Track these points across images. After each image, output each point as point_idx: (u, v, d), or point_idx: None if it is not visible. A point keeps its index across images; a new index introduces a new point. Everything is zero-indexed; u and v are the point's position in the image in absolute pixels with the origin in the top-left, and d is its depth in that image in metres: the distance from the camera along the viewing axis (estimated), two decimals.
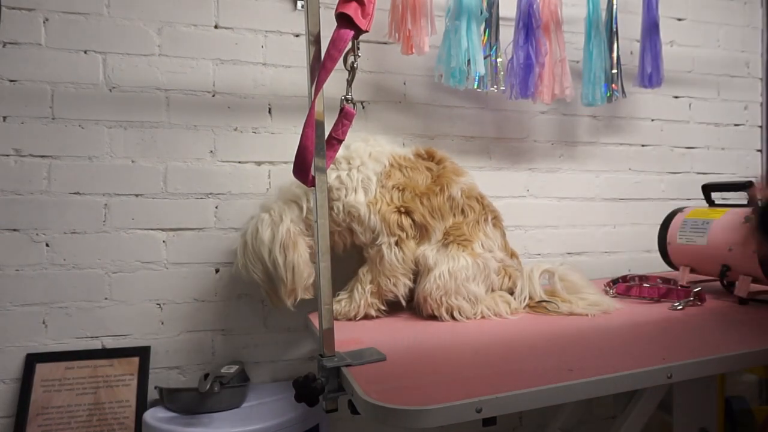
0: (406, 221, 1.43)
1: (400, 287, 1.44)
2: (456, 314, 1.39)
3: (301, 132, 1.02)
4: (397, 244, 1.42)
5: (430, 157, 1.55)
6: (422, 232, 1.46)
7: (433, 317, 1.41)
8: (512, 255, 1.56)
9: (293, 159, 1.04)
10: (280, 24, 1.73)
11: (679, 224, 1.72)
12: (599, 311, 1.39)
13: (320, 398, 1.00)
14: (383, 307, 1.47)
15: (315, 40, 1.03)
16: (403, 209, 1.44)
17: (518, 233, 1.98)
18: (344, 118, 1.09)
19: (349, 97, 1.10)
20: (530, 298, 1.46)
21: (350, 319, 1.46)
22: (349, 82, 1.10)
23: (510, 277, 1.51)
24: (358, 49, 1.08)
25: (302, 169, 1.04)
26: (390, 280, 1.43)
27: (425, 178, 1.50)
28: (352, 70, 1.09)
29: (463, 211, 1.49)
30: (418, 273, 1.46)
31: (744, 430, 1.94)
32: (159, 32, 1.63)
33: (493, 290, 1.48)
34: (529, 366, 0.94)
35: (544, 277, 1.52)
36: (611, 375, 0.91)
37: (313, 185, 1.03)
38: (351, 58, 1.07)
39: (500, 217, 1.57)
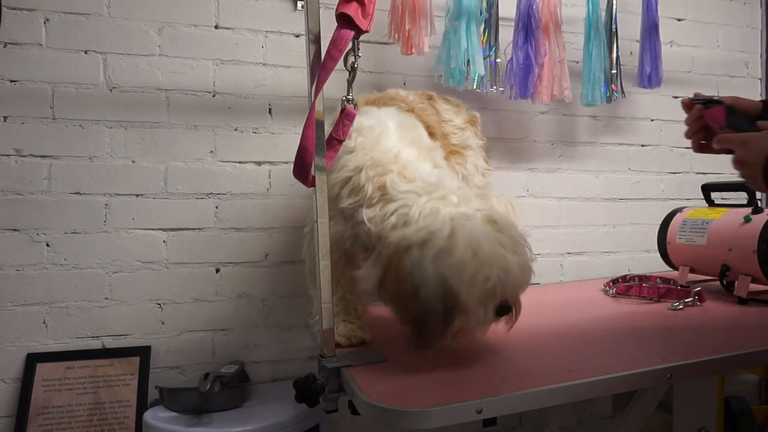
0: None
1: None
2: None
3: (301, 132, 1.02)
4: None
5: None
6: None
7: None
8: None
9: (293, 159, 1.04)
10: (280, 24, 1.73)
11: (678, 224, 1.72)
12: None
13: (320, 399, 1.00)
14: None
15: (315, 40, 1.03)
16: None
17: None
18: (345, 118, 1.09)
19: (350, 97, 1.10)
20: None
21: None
22: (350, 83, 1.10)
23: None
24: (359, 49, 1.08)
25: (302, 169, 1.04)
26: None
27: None
28: (352, 71, 1.09)
29: None
30: None
31: (744, 430, 1.95)
32: (159, 32, 1.63)
33: None
34: (529, 366, 0.94)
35: None
36: (611, 375, 0.91)
37: (313, 185, 1.03)
38: (351, 59, 1.07)
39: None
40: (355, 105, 1.12)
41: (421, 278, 0.94)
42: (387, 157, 1.13)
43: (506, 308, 1.00)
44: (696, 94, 1.19)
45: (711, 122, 1.13)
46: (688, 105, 1.17)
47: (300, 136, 1.03)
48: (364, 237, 1.12)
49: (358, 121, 1.16)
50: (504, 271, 0.95)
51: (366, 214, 1.09)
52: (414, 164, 1.13)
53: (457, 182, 1.13)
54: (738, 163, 1.02)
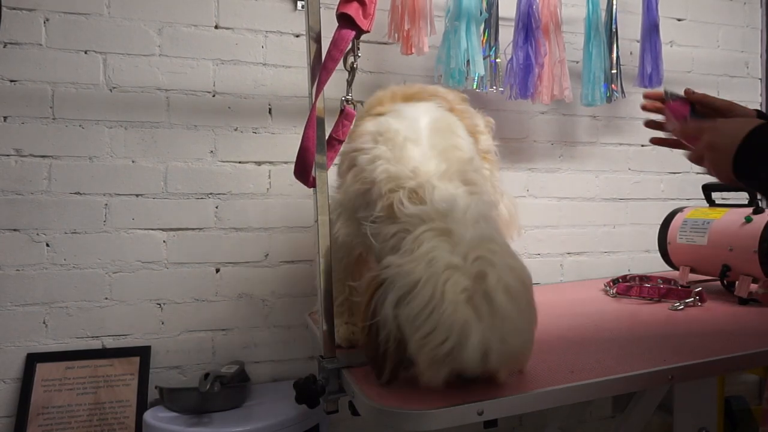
0: None
1: None
2: None
3: (302, 132, 1.02)
4: None
5: None
6: None
7: None
8: None
9: (294, 159, 1.04)
10: (281, 24, 1.73)
11: (679, 224, 1.72)
12: None
13: (321, 400, 1.00)
14: None
15: (316, 40, 1.02)
16: None
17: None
18: (345, 118, 1.09)
19: (349, 97, 1.09)
20: None
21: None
22: (350, 83, 1.09)
23: None
24: (359, 49, 1.08)
25: (303, 170, 1.04)
26: None
27: None
28: (352, 71, 1.08)
29: None
30: None
31: (744, 430, 1.95)
32: (159, 32, 1.63)
33: None
34: (530, 367, 0.94)
35: None
36: (612, 377, 0.91)
37: (314, 185, 1.03)
38: (351, 59, 1.07)
39: None
40: (354, 105, 1.11)
41: (381, 318, 0.86)
42: (404, 172, 1.00)
43: (472, 379, 0.85)
44: (665, 90, 1.13)
45: (673, 116, 1.08)
46: (650, 97, 1.14)
47: (301, 137, 1.02)
48: (372, 246, 1.03)
49: (384, 123, 1.08)
50: (463, 339, 0.79)
51: (370, 229, 1.00)
52: (431, 183, 0.97)
53: (477, 211, 0.94)
54: (707, 149, 0.91)
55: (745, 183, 0.89)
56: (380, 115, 1.14)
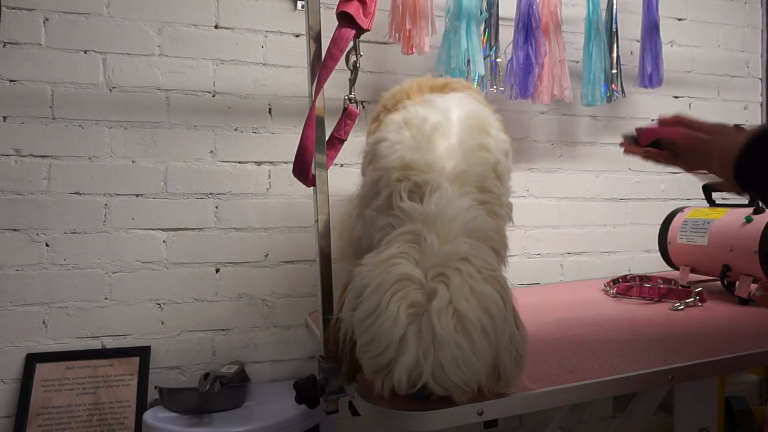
0: None
1: None
2: None
3: (301, 132, 1.01)
4: None
5: None
6: None
7: None
8: None
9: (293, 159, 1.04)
10: (280, 24, 1.72)
11: (679, 224, 1.72)
12: None
13: (321, 400, 1.00)
14: None
15: (316, 39, 1.02)
16: None
17: (518, 233, 1.98)
18: (347, 117, 1.09)
19: (352, 96, 1.09)
20: None
21: None
22: (352, 82, 1.09)
23: None
24: (360, 48, 1.07)
25: (302, 169, 1.03)
26: None
27: None
28: (354, 70, 1.08)
29: None
30: None
31: (744, 430, 1.95)
32: (159, 32, 1.63)
33: None
34: (530, 368, 0.94)
35: None
36: (612, 377, 0.91)
37: (313, 185, 1.03)
38: (353, 57, 1.07)
39: None
40: (357, 104, 1.10)
41: (343, 315, 0.84)
42: (419, 163, 0.93)
43: (422, 394, 0.78)
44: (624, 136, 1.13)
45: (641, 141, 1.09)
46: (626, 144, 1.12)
47: (300, 136, 1.02)
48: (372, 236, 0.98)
49: (411, 111, 1.01)
50: (396, 357, 0.75)
51: (368, 216, 0.97)
52: (438, 182, 0.90)
53: (468, 224, 0.86)
54: (701, 156, 0.91)
55: (752, 193, 0.90)
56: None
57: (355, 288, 0.82)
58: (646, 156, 1.06)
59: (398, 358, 0.75)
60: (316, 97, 1.00)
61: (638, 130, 1.06)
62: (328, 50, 1.00)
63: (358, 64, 1.07)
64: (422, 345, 0.74)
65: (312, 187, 1.04)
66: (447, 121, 0.98)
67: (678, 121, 1.02)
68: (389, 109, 1.14)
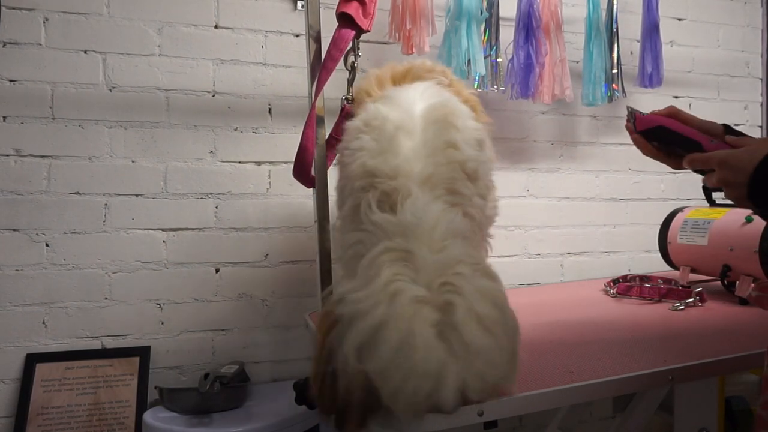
0: None
1: None
2: None
3: (301, 132, 1.01)
4: None
5: None
6: None
7: None
8: None
9: (294, 159, 1.03)
10: (280, 24, 1.72)
11: (679, 224, 1.72)
12: None
13: None
14: None
15: (316, 39, 1.02)
16: None
17: (518, 233, 1.98)
18: (345, 118, 1.09)
19: (350, 96, 1.09)
20: None
21: None
22: (350, 82, 1.09)
23: None
24: (359, 48, 1.07)
25: (302, 170, 1.03)
26: None
27: None
28: (352, 70, 1.08)
29: None
30: None
31: (744, 430, 1.95)
32: (159, 32, 1.63)
33: None
34: (530, 368, 0.94)
35: None
36: (612, 378, 0.91)
37: (312, 185, 1.03)
38: (351, 58, 1.07)
39: None
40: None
41: (339, 365, 0.73)
42: (383, 168, 0.86)
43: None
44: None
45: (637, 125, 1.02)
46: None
47: (300, 137, 1.02)
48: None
49: (372, 111, 0.93)
50: (440, 385, 0.70)
51: (333, 235, 0.89)
52: (408, 188, 0.84)
53: (447, 228, 0.82)
54: (722, 184, 0.90)
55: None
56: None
57: (360, 330, 0.71)
58: (635, 143, 1.03)
59: (443, 385, 0.70)
60: (316, 98, 1.00)
61: (637, 114, 1.02)
62: (328, 51, 1.00)
63: (356, 65, 1.07)
64: (462, 362, 0.71)
65: (312, 188, 1.04)
66: (410, 118, 0.90)
67: (673, 113, 1.00)
68: (357, 107, 1.06)
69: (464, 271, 0.77)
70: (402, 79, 1.05)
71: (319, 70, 1.00)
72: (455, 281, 0.75)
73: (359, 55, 1.07)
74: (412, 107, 0.92)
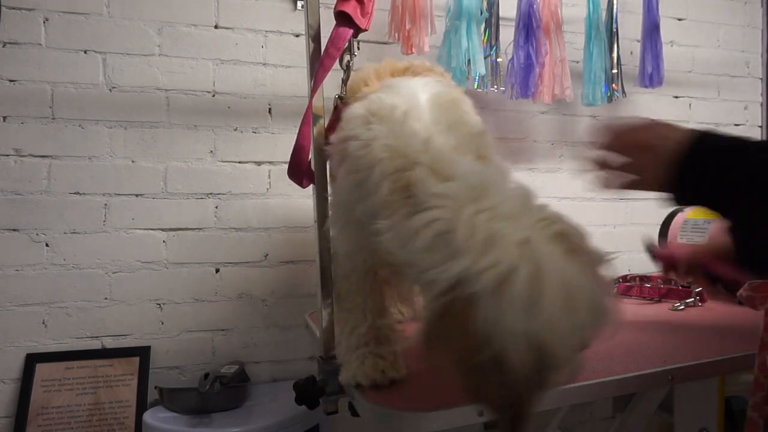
0: None
1: None
2: None
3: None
4: None
5: None
6: None
7: None
8: None
9: None
10: (280, 24, 1.72)
11: (679, 224, 1.71)
12: None
13: (320, 400, 1.00)
14: None
15: (315, 38, 1.02)
16: None
17: None
18: (339, 116, 1.08)
19: (343, 95, 1.08)
20: None
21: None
22: (345, 81, 1.08)
23: None
24: (356, 48, 1.07)
25: (297, 169, 1.03)
26: None
27: None
28: (347, 69, 1.07)
29: None
30: None
31: (744, 430, 1.94)
32: (159, 32, 1.63)
33: None
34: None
35: None
36: (612, 378, 0.91)
37: (307, 185, 1.03)
38: (347, 57, 1.06)
39: None
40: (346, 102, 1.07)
41: (504, 341, 0.63)
42: (412, 146, 0.81)
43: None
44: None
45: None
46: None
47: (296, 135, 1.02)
48: (385, 254, 0.80)
49: (375, 102, 0.89)
50: (598, 311, 0.69)
51: (383, 225, 0.79)
52: (450, 156, 0.80)
53: (509, 181, 0.81)
54: (637, 149, 0.82)
55: (679, 194, 0.80)
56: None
57: (518, 292, 0.63)
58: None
59: (604, 311, 0.70)
60: (312, 96, 1.00)
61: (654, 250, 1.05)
62: (326, 49, 1.00)
63: (351, 64, 1.06)
64: (595, 282, 0.72)
65: (312, 187, 1.04)
66: (414, 105, 0.87)
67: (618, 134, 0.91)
68: (350, 98, 1.03)
69: (542, 204, 0.78)
70: (401, 73, 1.05)
71: (317, 68, 0.99)
72: (546, 215, 0.75)
73: (355, 55, 1.07)
74: (416, 97, 0.90)
